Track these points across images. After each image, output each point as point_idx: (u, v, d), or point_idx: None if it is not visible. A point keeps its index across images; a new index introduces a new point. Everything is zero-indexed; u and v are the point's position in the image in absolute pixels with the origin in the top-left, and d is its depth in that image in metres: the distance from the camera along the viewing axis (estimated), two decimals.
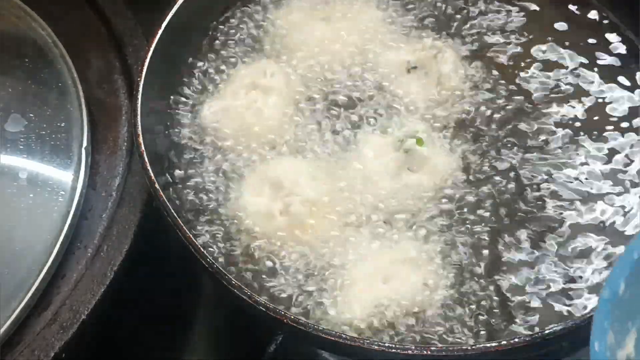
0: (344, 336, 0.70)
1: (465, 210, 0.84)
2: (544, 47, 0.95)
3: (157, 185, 0.79)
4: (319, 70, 0.93)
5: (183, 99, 0.92)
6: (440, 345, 0.75)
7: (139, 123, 0.83)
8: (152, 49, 0.88)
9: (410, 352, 0.70)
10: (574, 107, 0.91)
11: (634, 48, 0.95)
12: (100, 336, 0.86)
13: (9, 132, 0.90)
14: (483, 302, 0.78)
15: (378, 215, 0.83)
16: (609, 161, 0.87)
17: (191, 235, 0.76)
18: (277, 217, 0.82)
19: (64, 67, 0.95)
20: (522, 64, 0.94)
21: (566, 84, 0.92)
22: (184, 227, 0.77)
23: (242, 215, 0.83)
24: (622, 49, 0.95)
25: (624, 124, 0.89)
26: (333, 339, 0.70)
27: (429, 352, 0.70)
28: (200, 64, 0.95)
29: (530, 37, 0.96)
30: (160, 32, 0.89)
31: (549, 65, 0.94)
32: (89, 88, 0.95)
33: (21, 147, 0.89)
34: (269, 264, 0.81)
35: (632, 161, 0.86)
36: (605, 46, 0.95)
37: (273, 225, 0.82)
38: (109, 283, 0.82)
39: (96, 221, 0.86)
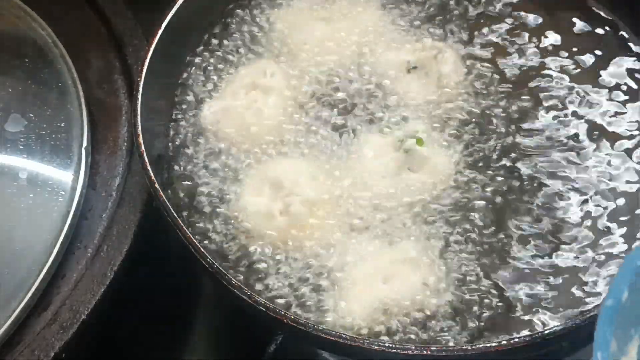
0: (344, 336, 0.70)
1: (466, 210, 0.84)
2: (545, 47, 0.95)
3: (157, 185, 0.79)
4: (319, 70, 0.93)
5: (183, 99, 0.92)
6: (440, 345, 0.75)
7: (139, 123, 0.83)
8: (152, 49, 0.88)
9: (410, 352, 0.70)
10: (576, 108, 0.91)
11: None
12: (100, 336, 0.86)
13: (9, 132, 0.90)
14: (484, 302, 0.78)
15: (378, 215, 0.83)
16: (611, 162, 0.87)
17: (191, 235, 0.76)
18: (277, 217, 0.82)
19: (64, 67, 0.95)
20: (524, 64, 0.94)
21: (567, 84, 0.92)
22: (184, 227, 0.77)
23: (242, 215, 0.83)
24: (623, 51, 0.95)
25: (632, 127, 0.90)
26: (333, 339, 0.70)
27: (429, 352, 0.70)
28: (200, 64, 0.95)
29: (531, 37, 0.96)
30: (160, 32, 0.89)
31: (549, 66, 0.94)
32: (89, 88, 0.95)
33: (21, 147, 0.89)
34: (269, 263, 0.81)
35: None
36: (607, 47, 0.95)
37: (273, 225, 0.82)
38: (109, 283, 0.82)
39: (96, 221, 0.86)
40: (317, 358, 0.82)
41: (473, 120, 0.90)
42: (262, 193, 0.83)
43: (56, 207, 0.85)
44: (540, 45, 0.95)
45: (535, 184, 0.85)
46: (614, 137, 0.89)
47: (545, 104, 0.91)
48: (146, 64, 0.87)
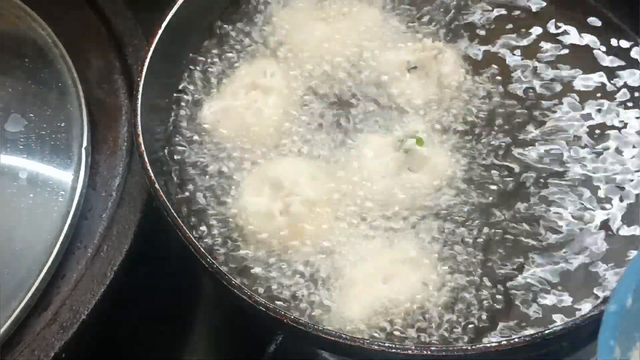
0: (344, 336, 0.70)
1: (466, 210, 0.84)
2: (545, 47, 0.95)
3: (157, 185, 0.79)
4: (319, 70, 0.93)
5: (183, 99, 0.92)
6: (440, 345, 0.75)
7: (139, 123, 0.83)
8: (152, 49, 0.88)
9: (410, 352, 0.70)
10: (577, 108, 0.91)
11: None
12: (100, 336, 0.86)
13: (9, 132, 0.90)
14: (484, 302, 0.78)
15: (378, 215, 0.83)
16: (613, 163, 0.87)
17: (191, 235, 0.76)
18: (277, 217, 0.82)
19: (64, 67, 0.95)
20: (524, 65, 0.94)
21: (568, 84, 0.92)
22: (184, 227, 0.77)
23: (242, 215, 0.83)
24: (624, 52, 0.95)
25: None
26: (333, 339, 0.70)
27: (429, 352, 0.70)
28: (200, 63, 0.95)
29: (532, 37, 0.96)
30: (160, 32, 0.89)
31: (551, 66, 0.94)
32: (89, 88, 0.95)
33: (21, 147, 0.89)
34: (269, 263, 0.81)
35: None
36: (609, 47, 0.95)
37: (273, 225, 0.82)
38: (109, 283, 0.82)
39: (96, 221, 0.86)
40: (317, 358, 0.82)
41: (473, 120, 0.90)
42: (262, 193, 0.83)
43: (56, 207, 0.85)
44: (541, 45, 0.95)
45: (535, 184, 0.85)
46: (614, 137, 0.89)
47: (547, 103, 0.91)
48: (146, 64, 0.87)
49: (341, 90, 0.92)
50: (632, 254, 0.80)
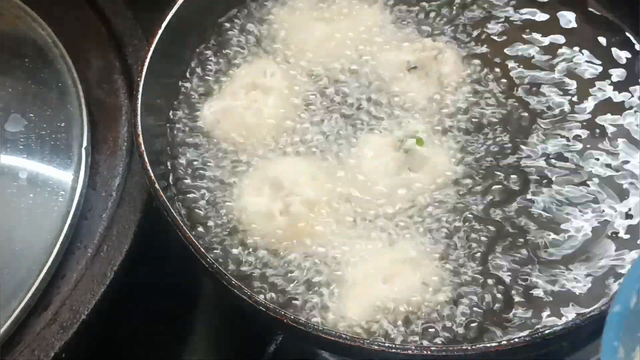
0: (344, 336, 0.70)
1: (466, 209, 0.83)
2: (545, 46, 0.95)
3: (157, 185, 0.79)
4: (319, 70, 0.93)
5: (183, 99, 0.92)
6: (440, 345, 0.75)
7: (139, 123, 0.83)
8: (152, 49, 0.88)
9: (410, 352, 0.70)
10: (580, 110, 0.91)
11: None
12: (100, 336, 0.86)
13: (9, 132, 0.90)
14: (484, 302, 0.78)
15: (378, 215, 0.83)
16: (613, 164, 0.87)
17: (191, 235, 0.76)
18: (277, 217, 0.82)
19: (64, 67, 0.95)
20: (524, 65, 0.94)
21: (569, 85, 0.92)
22: (184, 227, 0.77)
23: (242, 215, 0.83)
24: (624, 52, 0.95)
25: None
26: (333, 339, 0.70)
27: (429, 352, 0.70)
28: (200, 63, 0.95)
29: (532, 38, 0.96)
30: (160, 32, 0.89)
31: (551, 66, 0.94)
32: (89, 88, 0.95)
33: (21, 147, 0.89)
34: (269, 263, 0.81)
35: None
36: (609, 48, 0.95)
37: (273, 225, 0.82)
38: (109, 283, 0.82)
39: (96, 221, 0.86)
40: (317, 358, 0.83)
41: (473, 120, 0.90)
42: (262, 193, 0.83)
43: (56, 207, 0.85)
44: (541, 44, 0.95)
45: (536, 185, 0.85)
46: (616, 137, 0.88)
47: (547, 104, 0.91)
48: (146, 64, 0.87)
49: (341, 90, 0.92)
50: (635, 255, 0.80)
